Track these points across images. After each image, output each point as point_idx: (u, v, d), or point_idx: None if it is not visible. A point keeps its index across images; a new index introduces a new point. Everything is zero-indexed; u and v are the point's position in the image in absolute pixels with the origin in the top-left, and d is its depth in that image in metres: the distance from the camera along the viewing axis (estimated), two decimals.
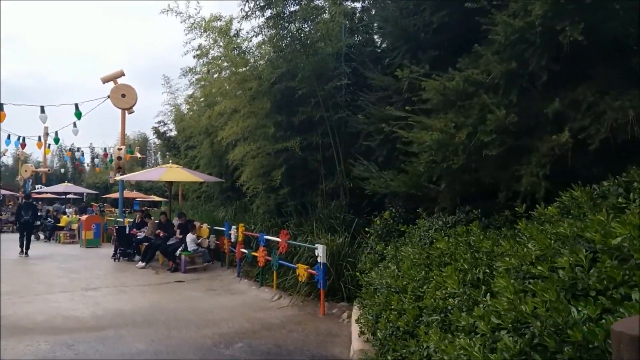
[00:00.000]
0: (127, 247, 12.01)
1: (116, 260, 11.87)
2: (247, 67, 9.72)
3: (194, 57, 14.71)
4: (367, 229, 6.64)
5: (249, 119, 9.38)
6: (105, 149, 34.79)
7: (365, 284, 5.66)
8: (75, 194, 38.36)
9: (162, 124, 25.77)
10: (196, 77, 16.33)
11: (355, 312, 5.90)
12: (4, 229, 22.35)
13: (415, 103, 5.26)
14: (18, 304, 6.91)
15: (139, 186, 37.34)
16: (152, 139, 47.99)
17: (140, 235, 12.25)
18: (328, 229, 7.74)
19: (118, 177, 12.20)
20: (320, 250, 6.38)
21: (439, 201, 4.84)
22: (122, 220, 15.52)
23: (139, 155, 34.24)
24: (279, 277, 7.83)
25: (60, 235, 17.19)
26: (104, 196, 34.80)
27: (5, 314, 6.30)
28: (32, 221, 13.22)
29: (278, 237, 7.99)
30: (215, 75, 14.52)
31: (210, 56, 10.49)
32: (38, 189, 38.93)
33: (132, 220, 14.11)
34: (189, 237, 10.43)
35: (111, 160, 35.42)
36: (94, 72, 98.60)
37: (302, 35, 8.51)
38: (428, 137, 3.98)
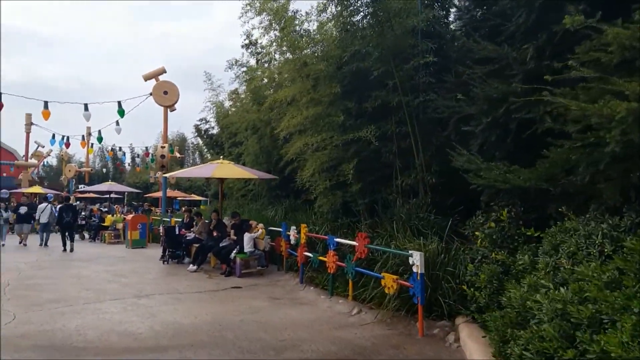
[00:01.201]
0: (176, 249, 11.26)
1: (165, 262, 11.14)
2: (309, 50, 8.72)
3: (243, 46, 14.00)
4: (474, 233, 5.51)
5: (311, 108, 8.36)
6: (146, 147, 34.73)
7: (485, 304, 4.55)
8: (117, 193, 38.71)
9: (203, 121, 25.25)
10: (243, 69, 15.64)
11: (468, 335, 4.78)
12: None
13: (545, 73, 4.10)
14: (67, 315, 6.13)
15: (178, 185, 37.29)
16: (191, 138, 48.08)
17: (190, 235, 11.48)
18: (412, 232, 6.65)
19: (168, 174, 11.47)
20: (417, 258, 5.29)
21: (605, 197, 3.66)
22: (168, 219, 14.87)
23: (178, 154, 34.03)
24: (356, 287, 6.78)
25: (106, 235, 16.75)
26: (146, 195, 34.73)
27: (54, 327, 5.52)
28: (72, 221, 14.27)
29: (353, 240, 6.98)
30: (266, 65, 13.70)
31: (264, 40, 9.54)
32: (81, 188, 39.48)
33: (180, 219, 13.38)
34: (247, 236, 9.54)
35: (152, 160, 35.40)
36: (133, 75, 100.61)
37: (377, 8, 7.43)
38: (622, 107, 2.82)
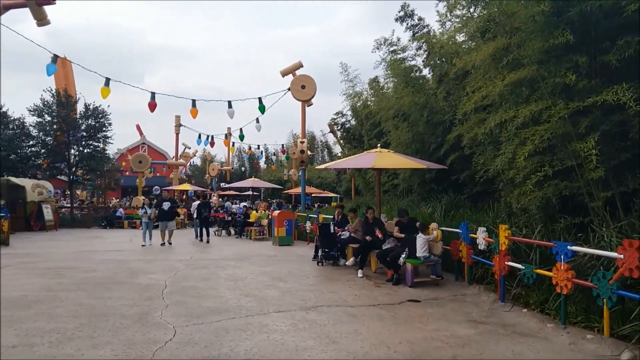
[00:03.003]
0: (330, 249, 10.02)
1: (319, 263, 9.96)
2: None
3: (397, 19, 12.33)
4: None
5: (514, 72, 6.34)
6: (282, 145, 35.16)
7: None
8: (254, 189, 40.22)
9: (339, 114, 24.26)
10: (392, 48, 14.01)
11: None
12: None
13: None
14: (232, 332, 5.02)
15: (309, 181, 37.34)
16: (320, 136, 48.07)
17: (345, 234, 10.16)
18: None
19: (323, 166, 10.27)
20: None
21: None
22: (315, 216, 13.83)
23: (308, 152, 33.86)
24: (613, 319, 4.65)
25: (252, 231, 16.42)
26: (284, 192, 35.22)
27: (221, 351, 4.38)
28: (208, 216, 16.14)
29: (597, 248, 4.86)
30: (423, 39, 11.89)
31: None
32: (222, 186, 41.70)
33: (331, 216, 12.20)
34: (421, 239, 7.87)
35: (287, 157, 35.86)
36: (262, 80, 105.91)
37: None
38: None
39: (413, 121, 13.04)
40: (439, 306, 6.50)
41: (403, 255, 8.02)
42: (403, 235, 8.39)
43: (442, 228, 8.60)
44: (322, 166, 10.54)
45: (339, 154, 40.53)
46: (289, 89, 21.96)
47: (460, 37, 9.84)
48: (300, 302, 6.52)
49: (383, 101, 17.98)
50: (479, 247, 7.35)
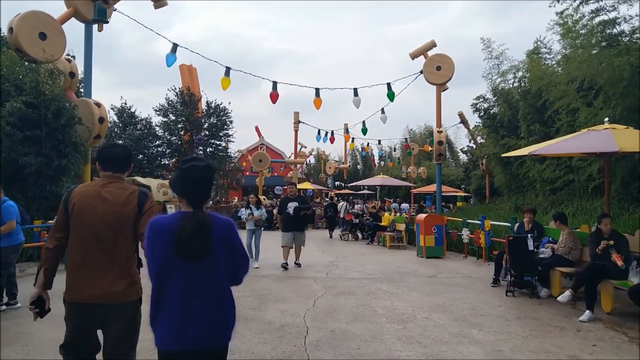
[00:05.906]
0: (523, 272, 6.99)
1: (509, 293, 6.99)
2: None
3: None
4: None
5: None
6: (406, 139, 32.18)
7: None
8: (369, 188, 37.92)
9: (481, 99, 20.67)
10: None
11: None
12: (318, 224, 21.75)
13: None
14: None
15: (429, 179, 33.94)
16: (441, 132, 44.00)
17: (545, 253, 7.10)
18: None
19: (524, 151, 6.94)
20: None
21: None
22: (480, 222, 10.75)
23: (429, 147, 30.56)
24: None
25: (386, 237, 13.83)
26: (413, 190, 32.12)
27: None
28: (333, 216, 17.47)
29: None
30: None
31: None
32: (337, 185, 39.87)
33: (510, 223, 9.07)
34: None
35: (410, 153, 32.81)
36: (373, 80, 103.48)
37: None
38: None
39: (619, 93, 9.44)
40: None
41: None
42: None
43: None
44: (525, 151, 7.22)
45: (466, 147, 36.25)
46: (421, 72, 19.05)
47: None
48: None
49: (551, 76, 14.29)
50: None
